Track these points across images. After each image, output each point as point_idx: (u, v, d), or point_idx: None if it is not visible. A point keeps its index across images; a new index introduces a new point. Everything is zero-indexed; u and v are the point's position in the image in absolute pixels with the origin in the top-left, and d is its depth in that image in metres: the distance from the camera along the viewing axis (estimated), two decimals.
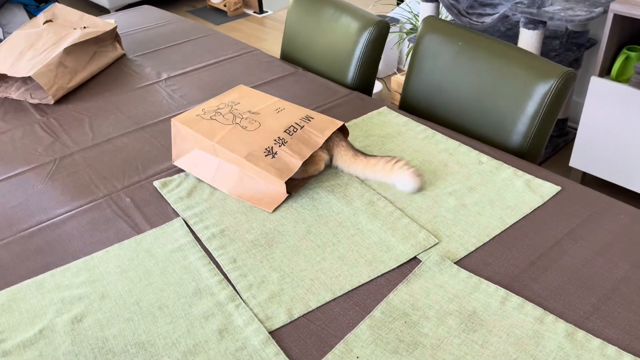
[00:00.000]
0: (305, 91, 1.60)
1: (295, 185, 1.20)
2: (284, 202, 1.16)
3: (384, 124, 1.41)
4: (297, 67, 1.76)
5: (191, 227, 1.11)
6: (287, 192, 1.16)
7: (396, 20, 3.19)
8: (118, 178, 1.28)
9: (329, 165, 1.25)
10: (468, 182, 1.18)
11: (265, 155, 1.15)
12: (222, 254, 1.04)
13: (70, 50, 1.67)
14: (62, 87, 1.62)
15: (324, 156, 1.21)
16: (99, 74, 1.78)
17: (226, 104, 1.29)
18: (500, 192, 1.15)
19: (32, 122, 1.53)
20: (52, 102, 1.60)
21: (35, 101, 1.61)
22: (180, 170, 1.28)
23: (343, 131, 1.27)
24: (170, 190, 1.22)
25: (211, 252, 1.05)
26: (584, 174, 2.35)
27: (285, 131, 1.20)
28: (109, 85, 1.71)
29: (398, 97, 3.12)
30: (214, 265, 1.02)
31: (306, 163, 1.18)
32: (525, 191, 1.15)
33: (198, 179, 1.24)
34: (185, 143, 1.24)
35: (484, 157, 1.26)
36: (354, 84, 1.67)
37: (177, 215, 1.15)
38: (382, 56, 3.25)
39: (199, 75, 1.74)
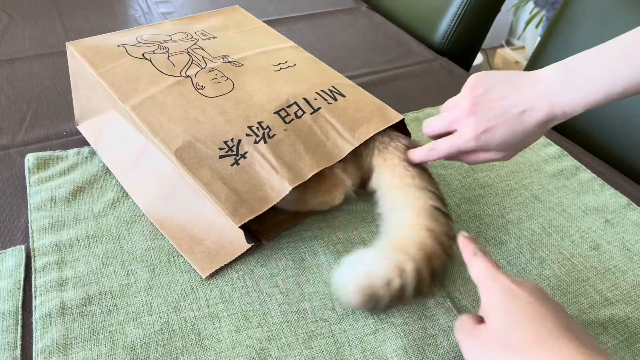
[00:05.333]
0: (362, 41, 0.96)
1: (276, 225, 0.59)
2: (240, 258, 0.55)
3: None
4: (361, 3, 1.10)
5: (34, 274, 0.53)
6: (254, 240, 0.56)
7: None
8: None
9: (358, 193, 0.62)
10: None
11: (221, 156, 0.54)
12: None
13: None
14: None
15: (345, 181, 0.58)
16: None
17: (188, 35, 0.68)
18: None
19: None
20: None
21: None
22: (85, 142, 0.69)
23: (399, 129, 0.63)
24: (46, 178, 0.63)
25: None
26: None
27: (278, 112, 0.58)
28: None
29: None
30: None
31: (308, 186, 0.56)
32: None
33: (105, 165, 0.65)
34: (93, 94, 0.64)
35: None
36: (443, 45, 1.00)
37: (27, 237, 0.57)
38: None
39: None
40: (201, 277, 0.53)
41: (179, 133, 0.55)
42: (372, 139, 0.59)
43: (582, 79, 0.45)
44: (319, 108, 0.59)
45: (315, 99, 0.60)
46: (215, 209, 0.52)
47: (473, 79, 0.51)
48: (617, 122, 0.79)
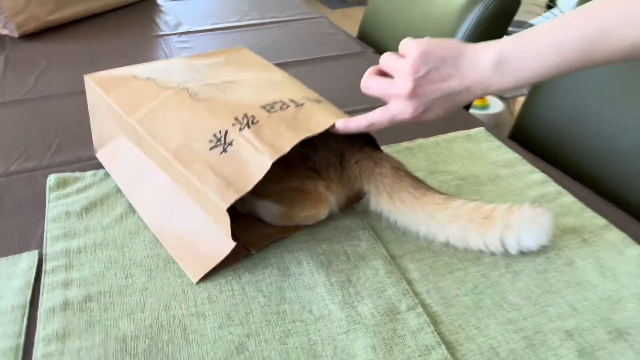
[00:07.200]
0: None
1: (265, 237, 0.63)
2: (229, 266, 0.60)
3: (472, 157, 0.80)
4: (368, 47, 1.18)
5: (44, 275, 0.59)
6: (245, 246, 0.60)
7: None
8: (11, 156, 0.79)
9: (343, 211, 0.67)
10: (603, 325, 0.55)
11: (211, 148, 0.59)
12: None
13: None
14: (37, 18, 1.17)
15: (329, 197, 0.63)
16: (106, 12, 1.32)
17: (193, 66, 0.75)
18: None
19: None
20: (16, 35, 1.16)
21: (5, 32, 1.18)
22: (102, 166, 0.76)
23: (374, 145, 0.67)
24: (64, 195, 0.70)
25: (37, 349, 0.52)
26: None
27: (263, 106, 0.63)
28: (107, 28, 1.24)
29: None
30: None
31: (294, 202, 0.62)
32: None
33: (117, 186, 0.72)
34: (107, 121, 0.72)
35: None
36: None
37: (41, 244, 0.63)
38: None
39: (227, 36, 1.22)
40: (192, 282, 0.58)
41: (176, 136, 0.61)
42: (357, 164, 0.63)
43: (514, 68, 0.51)
44: (303, 104, 0.63)
45: (299, 99, 0.64)
46: (209, 208, 0.57)
47: (418, 56, 0.54)
48: (603, 149, 0.82)
